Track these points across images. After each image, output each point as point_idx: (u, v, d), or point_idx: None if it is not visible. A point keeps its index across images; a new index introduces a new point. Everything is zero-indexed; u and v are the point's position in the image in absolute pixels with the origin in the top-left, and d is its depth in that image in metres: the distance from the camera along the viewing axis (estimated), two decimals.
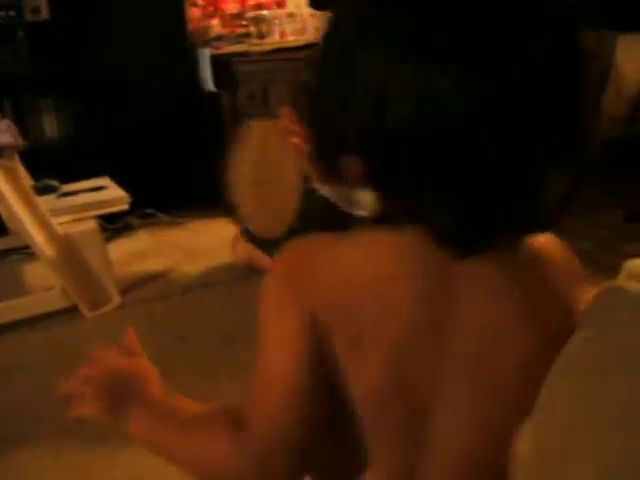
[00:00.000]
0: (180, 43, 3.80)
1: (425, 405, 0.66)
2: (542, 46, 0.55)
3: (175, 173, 3.73)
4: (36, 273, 3.15)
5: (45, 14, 3.50)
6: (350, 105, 0.58)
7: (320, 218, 1.49)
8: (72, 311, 2.76)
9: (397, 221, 0.63)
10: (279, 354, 0.70)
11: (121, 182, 3.10)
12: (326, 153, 0.65)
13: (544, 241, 0.71)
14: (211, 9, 4.13)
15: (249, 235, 2.97)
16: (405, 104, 0.54)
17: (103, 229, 3.04)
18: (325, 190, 1.86)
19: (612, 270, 0.46)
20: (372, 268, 0.65)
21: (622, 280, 0.43)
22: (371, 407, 0.69)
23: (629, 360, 0.41)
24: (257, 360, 0.73)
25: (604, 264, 2.95)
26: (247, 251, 2.96)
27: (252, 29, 4.05)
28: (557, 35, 0.56)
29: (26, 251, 3.10)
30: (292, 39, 3.92)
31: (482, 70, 0.53)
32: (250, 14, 4.12)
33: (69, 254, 2.75)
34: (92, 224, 2.84)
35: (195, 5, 4.07)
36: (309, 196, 2.02)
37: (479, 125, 0.54)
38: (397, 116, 0.55)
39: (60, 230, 2.76)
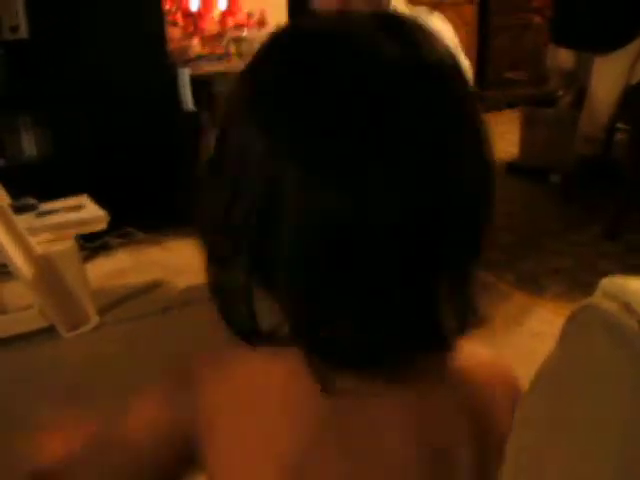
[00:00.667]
0: (160, 62, 3.80)
1: None
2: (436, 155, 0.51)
3: (154, 192, 3.72)
4: (13, 292, 3.11)
5: (24, 32, 3.49)
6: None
7: None
8: (49, 331, 2.73)
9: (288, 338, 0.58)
10: (134, 434, 0.67)
11: (100, 200, 3.08)
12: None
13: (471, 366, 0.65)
14: (191, 29, 4.15)
15: None
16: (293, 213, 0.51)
17: (81, 248, 3.02)
18: None
19: (590, 287, 0.46)
20: (258, 390, 0.61)
21: (597, 298, 0.44)
22: None
23: (602, 379, 0.42)
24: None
25: (582, 281, 2.98)
26: None
27: (232, 49, 4.06)
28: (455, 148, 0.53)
29: (3, 270, 3.06)
30: None
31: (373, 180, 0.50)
32: (230, 35, 4.14)
33: (47, 273, 2.73)
34: (70, 243, 2.82)
35: (175, 25, 4.08)
36: None
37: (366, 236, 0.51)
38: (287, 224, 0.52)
39: (38, 249, 2.74)
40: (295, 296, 0.54)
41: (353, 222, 0.50)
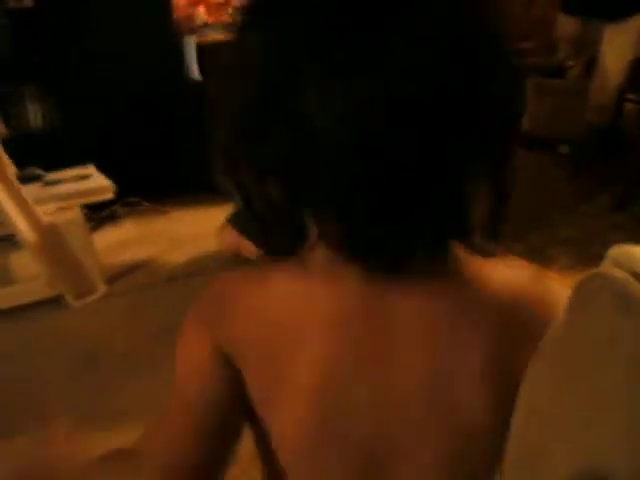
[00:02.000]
0: (165, 31, 3.77)
1: (377, 456, 0.62)
2: (423, 42, 0.49)
3: (160, 161, 3.72)
4: (21, 262, 3.12)
5: (28, 1, 3.47)
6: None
7: None
8: (57, 300, 2.75)
9: (322, 244, 0.59)
10: (185, 387, 0.68)
11: (106, 170, 3.08)
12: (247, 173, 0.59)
13: (505, 275, 0.63)
14: None
15: (235, 223, 2.95)
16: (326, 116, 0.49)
17: (88, 218, 3.03)
18: None
19: (599, 259, 0.45)
20: (292, 306, 0.62)
21: (606, 267, 0.43)
22: (291, 457, 0.65)
23: (609, 345, 0.41)
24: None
25: (591, 252, 2.96)
26: (233, 239, 2.95)
27: (238, 18, 4.03)
28: (441, 31, 0.50)
29: (11, 240, 3.07)
30: None
31: (365, 72, 0.48)
32: (235, 3, 4.10)
33: (54, 243, 2.73)
34: (77, 213, 2.82)
35: None
36: None
37: (373, 129, 0.49)
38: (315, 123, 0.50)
39: (45, 219, 2.74)
40: (334, 189, 0.53)
41: (379, 102, 0.49)
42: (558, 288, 0.62)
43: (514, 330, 0.59)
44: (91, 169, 3.14)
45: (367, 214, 0.53)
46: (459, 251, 0.60)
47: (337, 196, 0.52)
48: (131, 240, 3.45)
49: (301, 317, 0.62)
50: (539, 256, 2.98)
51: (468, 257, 0.60)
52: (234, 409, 0.66)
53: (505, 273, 0.63)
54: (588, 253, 2.96)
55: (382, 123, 0.49)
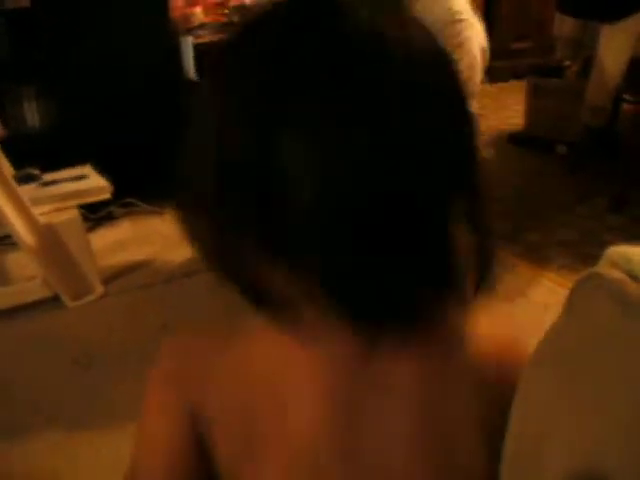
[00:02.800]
0: (162, 31, 3.77)
1: None
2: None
3: (157, 162, 3.71)
4: (18, 263, 3.12)
5: (26, 1, 3.46)
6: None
7: None
8: (54, 301, 2.74)
9: (299, 305, 0.55)
10: (150, 461, 0.64)
11: (103, 171, 3.08)
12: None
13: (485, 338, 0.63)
14: None
15: None
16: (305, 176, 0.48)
17: (85, 219, 3.02)
18: None
19: (595, 259, 0.45)
20: (268, 365, 0.59)
21: (603, 267, 0.43)
22: None
23: (606, 345, 0.41)
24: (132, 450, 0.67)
25: (587, 253, 2.97)
26: None
27: (234, 18, 4.03)
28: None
29: (7, 241, 3.07)
30: None
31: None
32: (232, 3, 4.11)
33: (51, 244, 2.73)
34: (74, 213, 2.82)
35: None
36: None
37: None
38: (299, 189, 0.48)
39: (42, 220, 2.74)
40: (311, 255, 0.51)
41: (354, 189, 0.48)
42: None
43: (500, 389, 0.58)
44: (88, 169, 3.14)
45: (354, 273, 0.51)
46: (445, 303, 0.57)
47: (322, 257, 0.51)
48: (128, 241, 3.45)
49: (285, 378, 0.59)
50: (536, 256, 2.99)
51: (452, 308, 0.58)
52: (200, 477, 0.62)
53: (488, 330, 0.63)
54: (584, 254, 2.97)
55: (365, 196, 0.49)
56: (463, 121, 0.54)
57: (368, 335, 0.55)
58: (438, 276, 0.54)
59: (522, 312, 2.51)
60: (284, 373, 0.59)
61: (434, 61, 0.53)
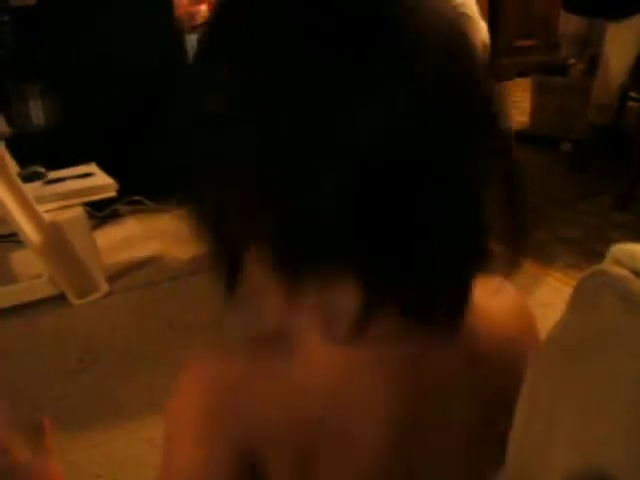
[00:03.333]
0: (167, 29, 3.77)
1: None
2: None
3: (162, 160, 3.71)
4: (23, 261, 3.13)
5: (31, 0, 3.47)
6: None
7: None
8: (59, 299, 2.75)
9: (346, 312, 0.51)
10: None
11: (108, 169, 3.08)
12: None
13: (498, 311, 0.62)
14: None
15: None
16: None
17: (90, 216, 3.03)
18: None
19: (600, 257, 0.45)
20: (322, 383, 0.54)
21: (607, 264, 0.43)
22: None
23: (610, 343, 0.41)
24: None
25: (592, 251, 2.96)
26: None
27: None
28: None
29: (13, 239, 3.08)
30: None
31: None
32: None
33: (56, 242, 2.74)
34: (79, 211, 2.82)
35: None
36: None
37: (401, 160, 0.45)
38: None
39: (47, 217, 2.74)
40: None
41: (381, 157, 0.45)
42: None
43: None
44: (93, 167, 3.14)
45: (393, 268, 0.48)
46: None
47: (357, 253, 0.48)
48: (134, 238, 3.45)
49: (344, 392, 0.55)
50: (540, 254, 2.98)
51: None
52: None
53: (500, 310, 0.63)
54: (589, 251, 2.97)
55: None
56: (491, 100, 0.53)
57: (412, 328, 0.53)
58: (478, 264, 0.53)
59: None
60: (341, 388, 0.55)
61: (456, 35, 0.51)
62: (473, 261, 0.53)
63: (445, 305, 0.52)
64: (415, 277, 0.49)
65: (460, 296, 0.52)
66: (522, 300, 0.66)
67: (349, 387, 0.55)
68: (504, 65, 5.51)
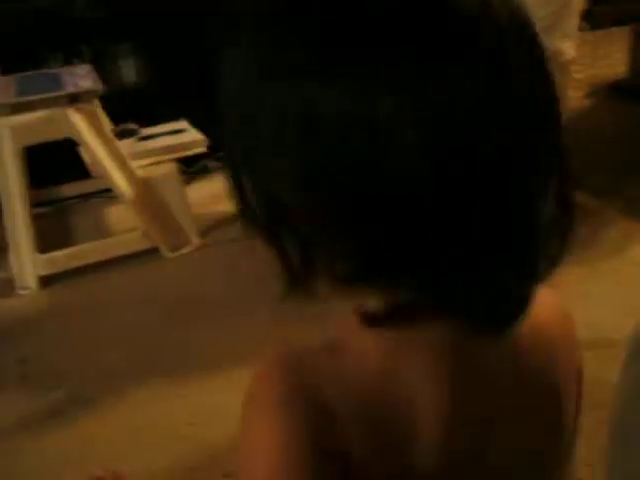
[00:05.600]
0: None
1: None
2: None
3: None
4: (118, 216, 3.21)
5: None
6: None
7: None
8: (153, 252, 2.82)
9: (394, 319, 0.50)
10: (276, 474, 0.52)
11: (198, 125, 3.12)
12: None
13: (545, 314, 0.60)
14: None
15: None
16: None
17: (182, 172, 3.07)
18: None
19: None
20: (385, 376, 0.53)
21: None
22: None
23: None
24: None
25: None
26: None
27: None
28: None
29: (108, 194, 3.16)
30: None
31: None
32: None
33: (149, 197, 2.80)
34: (171, 167, 2.87)
35: None
36: None
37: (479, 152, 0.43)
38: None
39: (140, 173, 2.80)
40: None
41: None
42: None
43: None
44: (184, 124, 3.19)
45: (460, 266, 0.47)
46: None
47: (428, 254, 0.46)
48: (223, 194, 3.48)
49: (408, 381, 0.54)
50: (637, 211, 2.86)
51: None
52: None
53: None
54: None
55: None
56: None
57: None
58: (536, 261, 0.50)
59: (620, 268, 2.42)
60: (407, 377, 0.54)
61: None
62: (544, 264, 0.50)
63: (509, 308, 0.50)
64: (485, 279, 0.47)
65: (525, 299, 0.50)
66: (558, 299, 0.62)
67: (405, 372, 0.54)
68: (599, 12, 5.27)
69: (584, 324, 0.70)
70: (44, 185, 3.35)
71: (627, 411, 0.43)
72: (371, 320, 0.51)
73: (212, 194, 3.50)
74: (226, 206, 3.26)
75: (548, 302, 0.61)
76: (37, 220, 2.81)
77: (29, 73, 2.82)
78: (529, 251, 0.48)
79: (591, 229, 2.70)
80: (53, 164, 3.14)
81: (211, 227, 3.06)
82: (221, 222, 3.11)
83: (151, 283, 2.66)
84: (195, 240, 2.91)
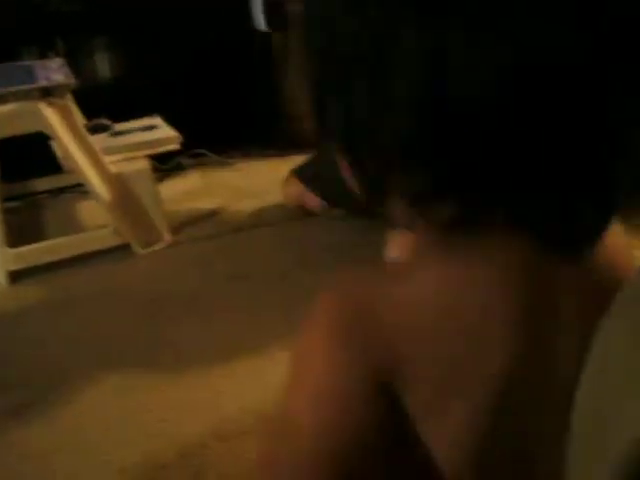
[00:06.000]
0: None
1: (529, 452, 0.55)
2: None
3: (226, 113, 3.72)
4: (89, 211, 3.19)
5: None
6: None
7: None
8: (124, 249, 2.80)
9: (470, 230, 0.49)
10: (325, 408, 0.51)
11: (172, 122, 3.11)
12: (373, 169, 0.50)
13: (616, 245, 0.57)
14: None
15: (300, 176, 2.95)
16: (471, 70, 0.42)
17: (155, 169, 3.06)
18: None
19: None
20: (452, 299, 0.51)
21: None
22: (457, 469, 0.53)
23: None
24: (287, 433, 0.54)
25: None
26: (298, 192, 2.96)
27: None
28: None
29: (79, 189, 3.14)
30: None
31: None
32: None
33: (122, 193, 2.78)
34: (144, 163, 2.85)
35: None
36: None
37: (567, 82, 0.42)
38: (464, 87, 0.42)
39: (112, 169, 2.78)
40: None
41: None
42: None
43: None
44: (158, 120, 3.17)
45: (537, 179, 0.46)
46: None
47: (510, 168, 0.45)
48: (197, 191, 3.49)
49: (465, 311, 0.52)
50: None
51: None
52: (390, 446, 0.52)
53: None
54: None
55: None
56: None
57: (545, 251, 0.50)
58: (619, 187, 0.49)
59: None
60: (473, 308, 0.52)
61: None
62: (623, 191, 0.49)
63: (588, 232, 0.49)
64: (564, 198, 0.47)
65: (599, 226, 0.49)
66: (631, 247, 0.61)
67: (465, 306, 0.52)
68: None
69: None
70: (15, 179, 3.31)
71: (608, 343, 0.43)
72: (442, 230, 0.50)
73: (185, 191, 3.49)
74: (200, 203, 3.27)
75: (620, 244, 0.59)
76: (7, 214, 2.78)
77: (1, 65, 2.78)
78: (609, 177, 0.47)
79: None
80: (24, 158, 3.11)
81: (184, 224, 3.05)
82: (194, 219, 3.10)
83: (122, 279, 2.64)
84: (167, 237, 2.90)
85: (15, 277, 2.66)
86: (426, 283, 0.52)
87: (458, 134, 0.44)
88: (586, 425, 0.47)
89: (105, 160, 2.77)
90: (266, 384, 1.94)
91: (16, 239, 2.73)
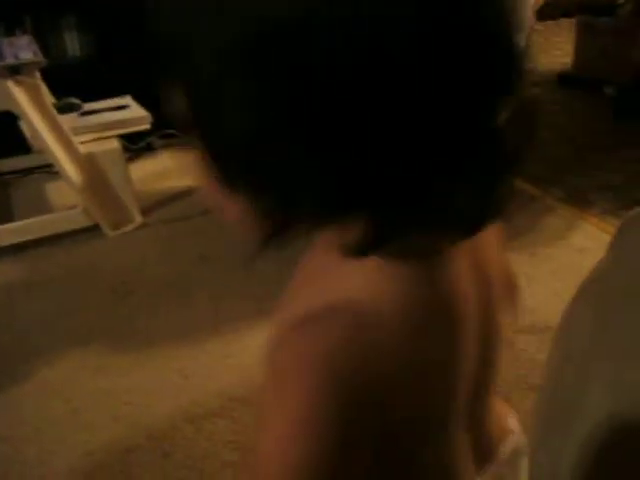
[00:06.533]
0: None
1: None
2: None
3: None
4: (59, 192, 3.16)
5: None
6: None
7: None
8: (94, 230, 2.78)
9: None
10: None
11: (142, 102, 3.07)
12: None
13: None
14: None
15: None
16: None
17: (125, 149, 3.03)
18: None
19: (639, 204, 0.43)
20: (418, 319, 0.52)
21: None
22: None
23: None
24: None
25: (631, 198, 2.91)
26: None
27: None
28: None
29: (49, 170, 3.10)
30: None
31: None
32: None
33: (91, 173, 2.75)
34: (114, 143, 2.83)
35: None
36: None
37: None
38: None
39: (82, 149, 2.75)
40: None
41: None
42: None
43: None
44: (128, 100, 3.14)
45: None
46: None
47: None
48: (167, 172, 3.46)
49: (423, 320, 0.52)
50: (578, 200, 2.93)
51: None
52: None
53: None
54: (628, 198, 2.91)
55: None
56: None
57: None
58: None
59: (561, 255, 2.48)
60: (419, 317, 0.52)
61: None
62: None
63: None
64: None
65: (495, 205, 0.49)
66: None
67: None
68: (549, 4, 5.34)
69: (523, 309, 0.72)
70: None
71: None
72: (359, 250, 0.48)
73: (156, 172, 3.46)
74: (170, 184, 3.25)
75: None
76: None
77: None
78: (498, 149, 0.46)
79: (532, 216, 2.75)
80: None
81: (154, 205, 3.03)
82: (164, 200, 3.08)
83: (92, 260, 2.62)
84: (137, 218, 2.88)
85: None
86: (392, 316, 0.51)
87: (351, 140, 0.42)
88: (554, 409, 0.49)
89: (75, 140, 2.74)
90: (234, 367, 1.94)
91: None
